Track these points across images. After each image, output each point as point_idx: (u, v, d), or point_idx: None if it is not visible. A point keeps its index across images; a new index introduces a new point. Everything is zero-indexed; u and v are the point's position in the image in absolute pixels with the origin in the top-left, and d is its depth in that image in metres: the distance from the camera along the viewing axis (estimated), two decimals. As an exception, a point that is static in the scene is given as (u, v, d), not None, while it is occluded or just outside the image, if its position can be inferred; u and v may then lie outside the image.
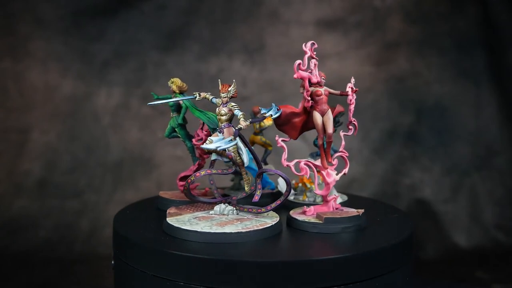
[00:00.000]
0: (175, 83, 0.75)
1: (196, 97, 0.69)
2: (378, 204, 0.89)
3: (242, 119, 0.64)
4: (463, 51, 1.60)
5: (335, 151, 0.79)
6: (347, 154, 0.70)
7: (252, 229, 0.61)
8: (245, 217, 0.66)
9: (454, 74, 1.60)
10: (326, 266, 0.56)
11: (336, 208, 0.69)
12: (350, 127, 0.70)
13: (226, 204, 0.69)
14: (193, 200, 0.71)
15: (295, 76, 0.66)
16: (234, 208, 0.68)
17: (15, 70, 1.56)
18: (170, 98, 0.77)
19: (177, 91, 0.76)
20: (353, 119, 0.69)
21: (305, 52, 0.67)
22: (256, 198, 0.67)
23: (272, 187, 0.84)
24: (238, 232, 0.60)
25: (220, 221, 0.65)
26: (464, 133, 1.60)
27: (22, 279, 1.26)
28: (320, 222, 0.65)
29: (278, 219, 0.66)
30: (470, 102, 1.60)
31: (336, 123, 0.79)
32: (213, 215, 0.67)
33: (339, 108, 0.69)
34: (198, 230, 0.61)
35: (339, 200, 0.77)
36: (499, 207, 1.54)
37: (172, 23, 1.61)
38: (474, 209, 1.54)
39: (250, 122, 0.65)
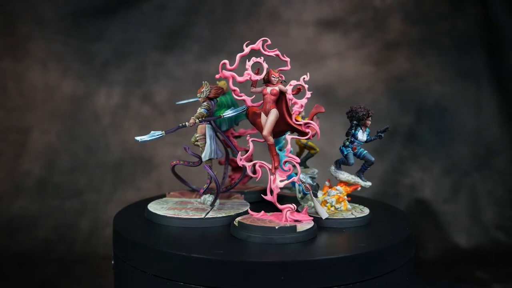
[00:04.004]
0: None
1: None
2: (378, 204, 0.89)
3: (192, 117, 0.68)
4: (463, 51, 1.60)
5: (366, 164, 0.74)
6: (297, 160, 0.64)
7: (175, 216, 0.69)
8: (204, 208, 0.73)
9: (454, 74, 1.60)
10: (326, 266, 0.56)
11: (296, 220, 0.64)
12: (308, 130, 0.64)
13: (210, 195, 0.75)
14: (185, 184, 0.81)
15: (217, 76, 0.63)
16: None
17: (15, 70, 1.56)
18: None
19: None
20: (310, 121, 0.64)
21: (243, 50, 0.64)
22: (201, 191, 0.74)
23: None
24: (163, 215, 0.69)
25: (181, 206, 0.73)
26: (464, 133, 1.60)
27: (22, 279, 1.26)
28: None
29: (220, 216, 0.69)
30: (470, 102, 1.60)
31: (378, 136, 0.73)
32: (193, 202, 0.76)
33: (317, 108, 0.65)
34: (151, 209, 0.72)
35: (321, 216, 0.68)
36: (499, 207, 1.54)
37: (172, 23, 1.60)
38: (474, 209, 1.54)
39: (200, 121, 0.68)
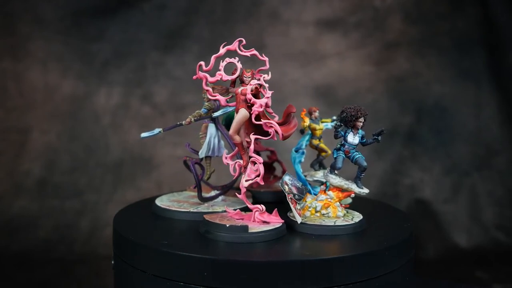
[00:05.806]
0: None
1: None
2: (378, 204, 0.89)
3: (190, 115, 0.73)
4: (463, 51, 1.60)
5: (359, 169, 0.69)
6: (260, 161, 0.63)
7: (166, 207, 0.74)
8: (203, 204, 0.76)
9: (454, 74, 1.60)
10: (326, 266, 0.56)
11: (264, 222, 0.64)
12: (270, 130, 0.62)
13: (215, 191, 0.79)
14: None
15: (194, 77, 0.63)
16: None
17: (15, 70, 1.56)
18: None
19: None
20: (271, 121, 0.62)
21: (218, 51, 0.63)
22: (192, 187, 0.79)
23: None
24: (163, 208, 0.74)
25: (185, 200, 0.78)
26: (464, 133, 1.60)
27: (22, 279, 1.26)
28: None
29: (205, 211, 0.71)
30: (470, 102, 1.60)
31: (375, 139, 0.68)
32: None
33: (289, 108, 0.64)
34: (156, 200, 0.77)
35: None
36: (499, 207, 1.54)
37: (172, 23, 1.60)
38: (474, 209, 1.54)
39: (196, 120, 0.73)
